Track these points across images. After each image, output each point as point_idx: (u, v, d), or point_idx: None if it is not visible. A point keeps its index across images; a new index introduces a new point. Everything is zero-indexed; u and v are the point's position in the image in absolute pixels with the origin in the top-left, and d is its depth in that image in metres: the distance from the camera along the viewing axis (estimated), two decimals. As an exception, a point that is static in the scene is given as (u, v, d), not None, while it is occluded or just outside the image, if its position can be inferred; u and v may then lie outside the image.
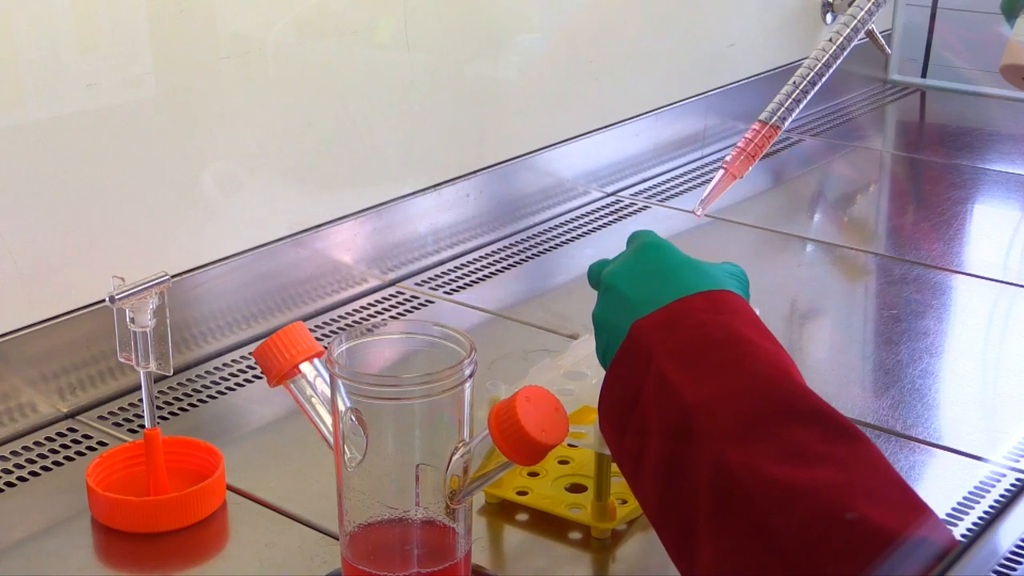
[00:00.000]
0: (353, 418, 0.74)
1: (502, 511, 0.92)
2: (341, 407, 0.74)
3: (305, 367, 0.78)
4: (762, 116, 0.91)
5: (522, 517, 0.92)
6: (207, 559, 0.88)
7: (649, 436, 0.67)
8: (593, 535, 0.89)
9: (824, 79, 0.92)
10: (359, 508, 0.76)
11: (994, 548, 0.48)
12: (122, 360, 0.87)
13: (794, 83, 0.91)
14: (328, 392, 0.77)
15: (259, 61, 1.15)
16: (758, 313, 1.00)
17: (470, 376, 0.74)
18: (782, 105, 0.91)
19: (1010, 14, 0.99)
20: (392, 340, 0.79)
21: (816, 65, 0.92)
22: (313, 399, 0.78)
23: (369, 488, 0.75)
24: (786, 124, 0.91)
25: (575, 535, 0.90)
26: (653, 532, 0.90)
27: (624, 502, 0.91)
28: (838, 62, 0.92)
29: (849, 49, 0.92)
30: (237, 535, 0.90)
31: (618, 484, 0.91)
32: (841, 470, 0.61)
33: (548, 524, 0.90)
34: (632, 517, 0.91)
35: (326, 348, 0.75)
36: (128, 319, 0.85)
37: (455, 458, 0.74)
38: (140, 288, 0.84)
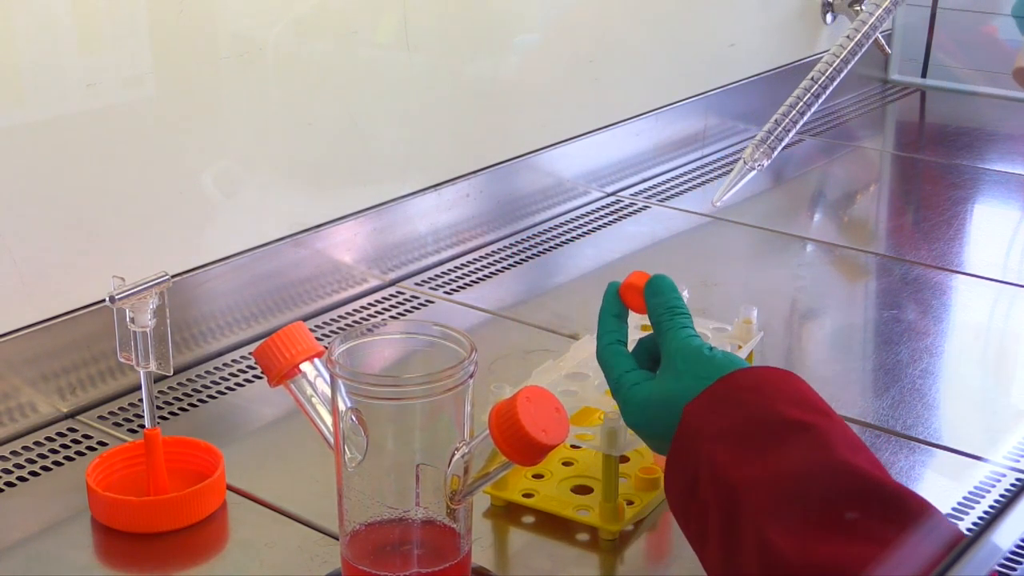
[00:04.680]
0: (353, 418, 0.74)
1: (508, 513, 0.92)
2: (341, 407, 0.74)
3: (305, 367, 0.78)
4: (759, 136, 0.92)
5: (528, 519, 0.92)
6: (207, 559, 0.88)
7: (708, 517, 0.69)
8: (601, 536, 0.89)
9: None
10: (359, 508, 0.76)
11: (994, 548, 0.48)
12: (122, 360, 0.87)
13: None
14: (328, 392, 0.77)
15: (259, 61, 1.15)
16: (753, 317, 1.00)
17: (470, 376, 0.74)
18: (771, 133, 0.92)
19: (1022, 17, 0.98)
20: (392, 340, 0.79)
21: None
22: (313, 399, 0.78)
23: (369, 488, 0.75)
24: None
25: (582, 536, 0.90)
26: (659, 533, 0.90)
27: (631, 503, 0.91)
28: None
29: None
30: (237, 535, 0.90)
31: (625, 485, 0.91)
32: (884, 546, 0.62)
33: (554, 526, 0.90)
34: (640, 518, 0.91)
35: (326, 348, 0.75)
36: (128, 319, 0.85)
37: (455, 458, 0.74)
38: (140, 288, 0.84)
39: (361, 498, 0.76)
